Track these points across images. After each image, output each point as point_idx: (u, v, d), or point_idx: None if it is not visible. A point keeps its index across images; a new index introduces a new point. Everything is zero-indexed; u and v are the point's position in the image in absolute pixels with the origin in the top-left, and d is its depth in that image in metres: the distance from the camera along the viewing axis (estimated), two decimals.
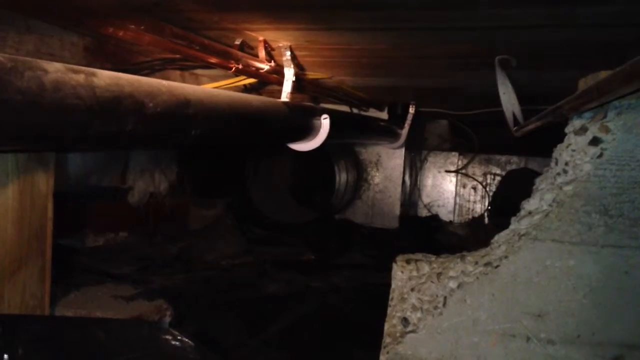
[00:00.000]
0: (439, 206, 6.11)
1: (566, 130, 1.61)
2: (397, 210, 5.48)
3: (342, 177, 5.61)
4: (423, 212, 6.13)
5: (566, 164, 1.57)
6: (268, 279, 3.69)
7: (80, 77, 1.33)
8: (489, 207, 5.90)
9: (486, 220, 5.83)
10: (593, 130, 1.54)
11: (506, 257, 1.64)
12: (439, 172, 6.08)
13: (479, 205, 5.98)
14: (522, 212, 1.65)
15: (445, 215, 6.08)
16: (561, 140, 1.62)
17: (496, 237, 1.68)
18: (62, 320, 2.15)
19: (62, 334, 1.91)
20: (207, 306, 3.02)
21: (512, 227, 1.66)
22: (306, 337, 2.87)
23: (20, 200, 2.11)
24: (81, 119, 1.33)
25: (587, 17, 1.74)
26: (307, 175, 5.80)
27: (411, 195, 5.94)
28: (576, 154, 1.56)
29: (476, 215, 5.97)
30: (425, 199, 6.12)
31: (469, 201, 6.02)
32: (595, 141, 1.54)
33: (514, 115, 2.60)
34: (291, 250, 4.49)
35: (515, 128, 2.60)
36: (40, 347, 1.81)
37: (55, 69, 1.27)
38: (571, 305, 1.60)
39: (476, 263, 1.69)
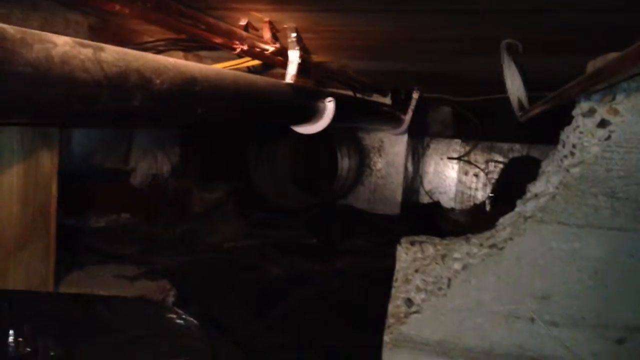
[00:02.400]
0: (440, 193, 6.11)
1: (574, 112, 1.60)
2: (399, 197, 5.48)
3: (344, 163, 5.60)
4: (425, 199, 6.14)
5: (574, 146, 1.57)
6: (270, 262, 3.70)
7: (89, 51, 1.32)
8: (491, 195, 5.90)
9: (488, 207, 5.84)
10: (601, 113, 1.54)
11: (511, 239, 1.65)
12: (441, 159, 6.07)
13: (480, 192, 5.98)
14: (528, 195, 1.65)
15: (447, 202, 6.08)
16: (564, 126, 1.62)
17: (501, 220, 1.68)
18: (67, 297, 2.16)
19: (66, 311, 1.92)
20: (209, 288, 3.03)
21: (517, 209, 1.66)
22: (308, 320, 2.88)
23: (24, 179, 2.12)
24: (89, 93, 1.33)
25: (594, 1, 1.73)
26: (309, 160, 5.79)
27: (413, 181, 5.94)
28: (584, 136, 1.55)
29: (478, 202, 5.98)
30: (427, 186, 6.12)
31: (470, 188, 6.02)
32: (603, 123, 1.53)
33: (519, 100, 2.59)
34: (293, 234, 4.50)
35: (520, 113, 2.59)
36: (45, 323, 1.82)
37: (64, 42, 1.26)
38: (576, 287, 1.61)
39: (481, 245, 1.69)
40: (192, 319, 2.07)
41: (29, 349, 1.72)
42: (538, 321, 1.64)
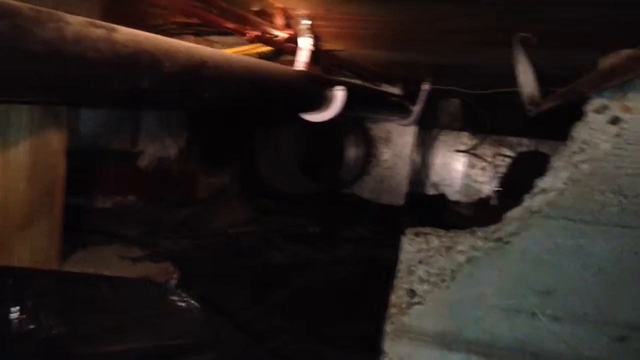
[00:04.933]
0: (446, 185, 6.09)
1: (585, 108, 1.59)
2: (404, 188, 5.48)
3: (351, 152, 5.60)
4: (430, 191, 6.12)
5: (584, 142, 1.56)
6: (273, 248, 3.71)
7: (101, 32, 1.32)
8: (498, 188, 5.88)
9: (494, 201, 5.82)
10: (613, 109, 1.53)
11: (517, 233, 1.64)
12: (449, 151, 6.05)
13: (487, 186, 5.96)
14: (536, 190, 1.64)
15: (453, 194, 6.06)
16: (575, 122, 1.61)
17: (508, 214, 1.68)
18: (71, 275, 2.17)
19: (70, 289, 1.93)
20: (212, 271, 3.04)
21: (524, 204, 1.66)
22: (309, 306, 2.90)
23: (33, 157, 2.12)
24: (100, 73, 1.33)
25: None
26: (316, 148, 5.78)
27: (419, 173, 5.92)
28: (595, 132, 1.55)
29: (484, 196, 5.96)
30: (434, 178, 6.10)
31: (477, 182, 6.00)
32: (614, 120, 1.52)
33: (530, 94, 2.57)
34: (297, 221, 4.50)
35: (530, 108, 2.58)
36: (49, 301, 1.83)
37: (77, 22, 1.26)
38: (579, 283, 1.61)
39: (486, 238, 1.69)
40: (194, 301, 2.08)
41: (32, 326, 1.74)
42: (540, 316, 1.64)
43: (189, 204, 4.31)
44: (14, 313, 1.73)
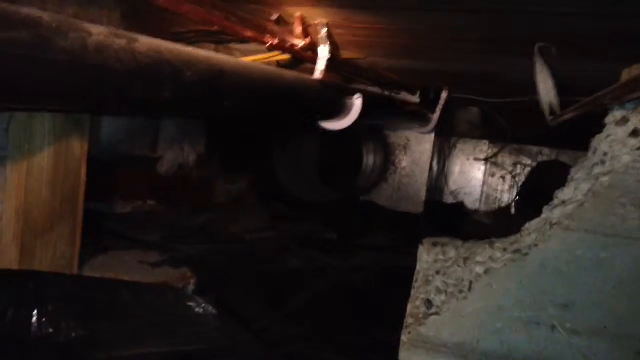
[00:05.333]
0: (465, 194, 6.05)
1: (606, 120, 1.57)
2: (422, 196, 5.45)
3: (369, 159, 5.59)
4: (449, 199, 6.09)
5: (604, 154, 1.55)
6: (290, 254, 3.71)
7: (123, 42, 1.34)
8: (517, 198, 5.83)
9: (513, 210, 5.77)
10: (634, 122, 1.51)
11: (536, 245, 1.63)
12: (468, 159, 6.01)
13: (506, 195, 5.91)
14: (556, 201, 1.63)
15: (472, 203, 6.02)
16: (595, 134, 1.60)
17: (527, 225, 1.66)
18: (90, 280, 2.20)
19: (90, 294, 1.96)
20: (229, 277, 3.05)
21: (544, 215, 1.64)
22: (325, 314, 2.89)
23: (55, 162, 2.15)
24: (121, 83, 1.35)
25: (634, 8, 1.69)
26: (334, 155, 5.79)
27: (438, 181, 5.90)
28: (615, 144, 1.53)
29: (503, 205, 5.91)
30: (452, 186, 6.07)
31: (496, 190, 5.95)
32: (635, 133, 1.51)
33: (550, 104, 2.55)
34: (314, 228, 4.51)
35: (550, 118, 2.56)
36: (69, 305, 1.86)
37: (98, 32, 1.28)
38: (599, 296, 1.59)
39: (505, 250, 1.67)
40: (211, 307, 2.09)
41: (51, 330, 1.77)
42: (559, 329, 1.62)
43: (207, 210, 4.33)
44: (35, 317, 1.76)
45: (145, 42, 1.42)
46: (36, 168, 2.08)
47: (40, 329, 1.76)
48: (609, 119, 1.56)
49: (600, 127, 1.60)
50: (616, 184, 1.54)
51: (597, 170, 1.55)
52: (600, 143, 1.56)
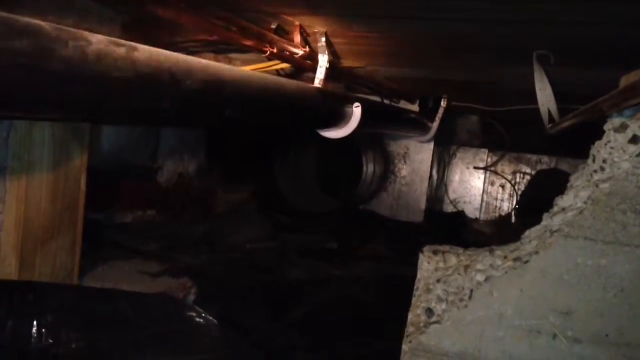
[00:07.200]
0: (465, 202, 6.05)
1: (605, 127, 1.57)
2: (422, 205, 5.45)
3: (369, 168, 5.60)
4: (449, 208, 6.09)
5: (604, 161, 1.54)
6: (290, 264, 3.70)
7: (122, 50, 1.34)
8: (517, 206, 5.83)
9: (513, 219, 5.76)
10: (633, 128, 1.51)
11: (536, 252, 1.62)
12: (467, 168, 6.02)
13: (506, 203, 5.92)
14: (555, 209, 1.62)
15: (472, 212, 6.02)
16: (595, 140, 1.60)
17: (527, 233, 1.66)
18: (90, 290, 2.19)
19: (90, 304, 1.95)
20: (230, 287, 3.04)
21: (543, 223, 1.64)
22: (325, 323, 2.88)
23: (55, 173, 2.15)
24: (120, 92, 1.35)
25: (631, 15, 1.70)
26: (333, 165, 5.79)
27: (437, 190, 5.89)
28: (615, 151, 1.53)
29: (503, 213, 5.90)
30: (452, 195, 6.07)
31: (496, 199, 5.95)
32: (635, 139, 1.51)
33: (549, 112, 2.56)
34: (314, 238, 4.50)
35: (549, 125, 2.56)
36: (68, 316, 1.85)
37: (98, 41, 1.29)
38: (600, 304, 1.58)
39: (505, 257, 1.67)
40: (211, 317, 2.09)
41: (51, 340, 1.76)
42: (560, 337, 1.61)
43: (207, 220, 4.33)
44: (34, 327, 1.75)
45: (145, 51, 1.42)
46: (36, 178, 2.08)
47: (40, 340, 1.75)
48: (608, 125, 1.56)
49: (599, 134, 1.60)
50: (616, 190, 1.54)
51: (597, 177, 1.55)
52: (600, 150, 1.56)
